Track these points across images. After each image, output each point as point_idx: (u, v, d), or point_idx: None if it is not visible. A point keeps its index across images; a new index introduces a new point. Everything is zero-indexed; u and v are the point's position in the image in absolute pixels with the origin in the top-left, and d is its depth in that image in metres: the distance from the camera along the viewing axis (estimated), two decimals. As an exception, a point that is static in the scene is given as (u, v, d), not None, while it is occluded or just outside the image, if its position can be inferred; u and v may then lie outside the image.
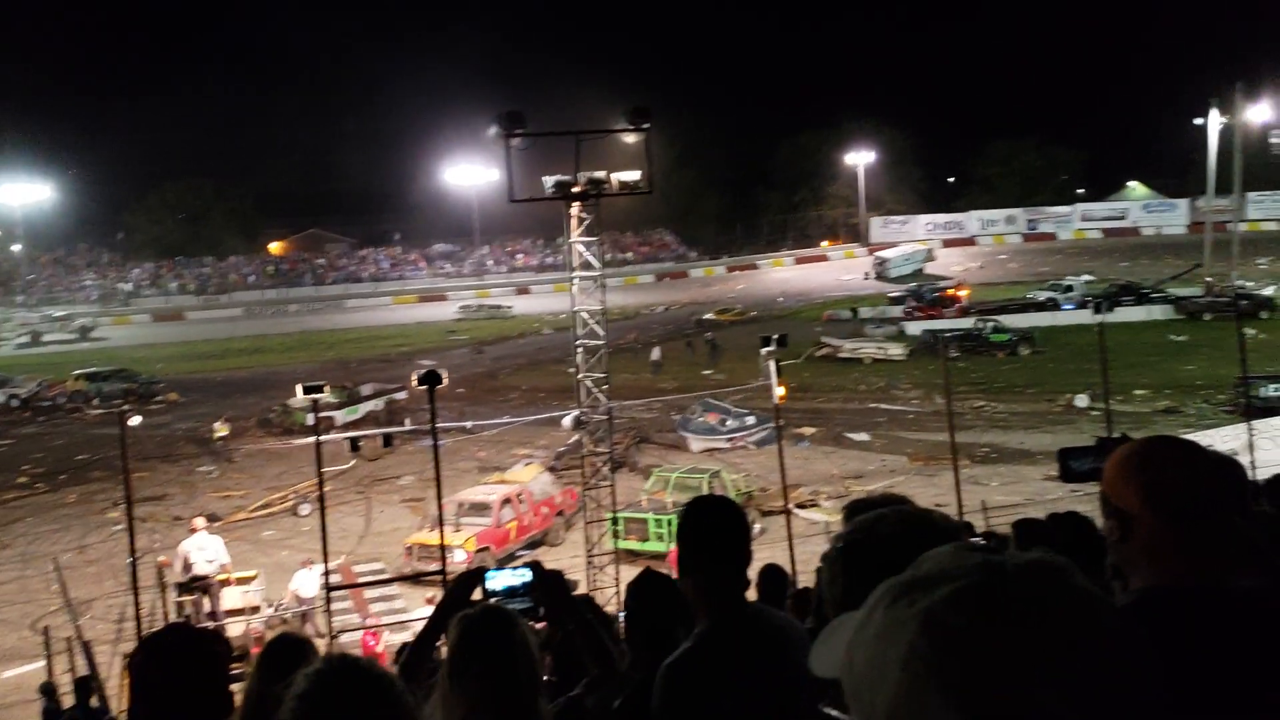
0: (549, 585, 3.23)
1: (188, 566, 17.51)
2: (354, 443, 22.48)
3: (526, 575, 3.24)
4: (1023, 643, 0.93)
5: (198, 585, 17.52)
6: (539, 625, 3.56)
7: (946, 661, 0.94)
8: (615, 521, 19.99)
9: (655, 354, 43.19)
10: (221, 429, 31.15)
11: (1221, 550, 1.83)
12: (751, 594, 3.59)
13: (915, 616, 0.97)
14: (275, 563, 22.17)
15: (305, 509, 25.18)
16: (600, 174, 17.58)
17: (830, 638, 1.25)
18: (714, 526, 2.83)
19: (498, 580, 3.25)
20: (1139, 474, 1.87)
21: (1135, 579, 1.89)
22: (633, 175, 18.16)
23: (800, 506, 23.93)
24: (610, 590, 17.82)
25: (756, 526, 22.63)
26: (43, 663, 15.26)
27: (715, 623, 2.76)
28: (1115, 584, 2.89)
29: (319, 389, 16.39)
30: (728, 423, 30.34)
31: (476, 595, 3.25)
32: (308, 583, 18.79)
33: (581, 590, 17.68)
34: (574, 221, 18.04)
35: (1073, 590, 0.99)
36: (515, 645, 2.76)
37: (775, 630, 2.80)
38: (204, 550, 17.63)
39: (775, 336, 18.98)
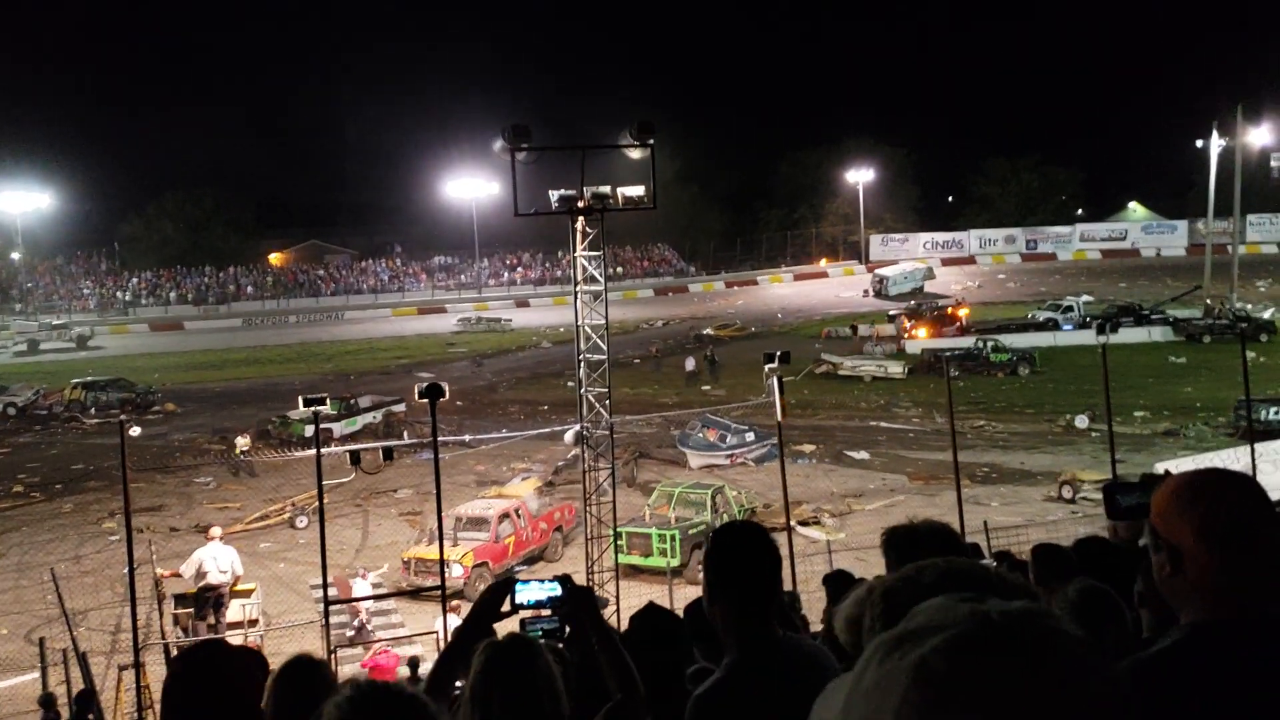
0: (579, 601, 3.15)
1: (201, 575, 17.45)
2: (354, 456, 22.39)
3: (556, 589, 3.16)
4: (1011, 690, 0.97)
5: (209, 594, 17.45)
6: (561, 644, 3.48)
7: (937, 710, 0.97)
8: (618, 536, 19.93)
9: (689, 364, 43.33)
10: (243, 443, 31.01)
11: (1276, 583, 1.80)
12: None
13: (907, 668, 1.00)
14: (273, 575, 22.07)
15: (303, 521, 25.10)
16: (605, 189, 17.59)
17: (828, 698, 1.28)
18: (744, 554, 2.77)
19: (527, 592, 3.17)
20: (1191, 508, 1.84)
21: (1186, 613, 1.86)
22: (637, 190, 18.17)
23: (803, 523, 23.86)
24: (610, 608, 17.72)
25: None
26: (37, 674, 15.13)
27: (745, 653, 2.71)
28: (1143, 612, 2.84)
29: (320, 401, 16.32)
30: (727, 439, 30.28)
31: (505, 605, 3.19)
32: (360, 592, 18.93)
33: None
34: (578, 236, 18.03)
35: (1059, 637, 1.02)
36: (538, 676, 2.72)
37: (806, 659, 2.75)
38: (218, 559, 17.59)
39: (778, 353, 18.92)
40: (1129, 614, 3.02)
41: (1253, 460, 18.95)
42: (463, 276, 75.93)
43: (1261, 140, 64.62)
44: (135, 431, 18.09)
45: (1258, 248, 71.02)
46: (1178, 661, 1.77)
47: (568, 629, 3.17)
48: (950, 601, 1.08)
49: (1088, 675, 1.00)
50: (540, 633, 3.20)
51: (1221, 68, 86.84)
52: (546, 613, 3.16)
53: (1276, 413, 29.53)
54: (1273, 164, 75.48)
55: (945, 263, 75.08)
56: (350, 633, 18.27)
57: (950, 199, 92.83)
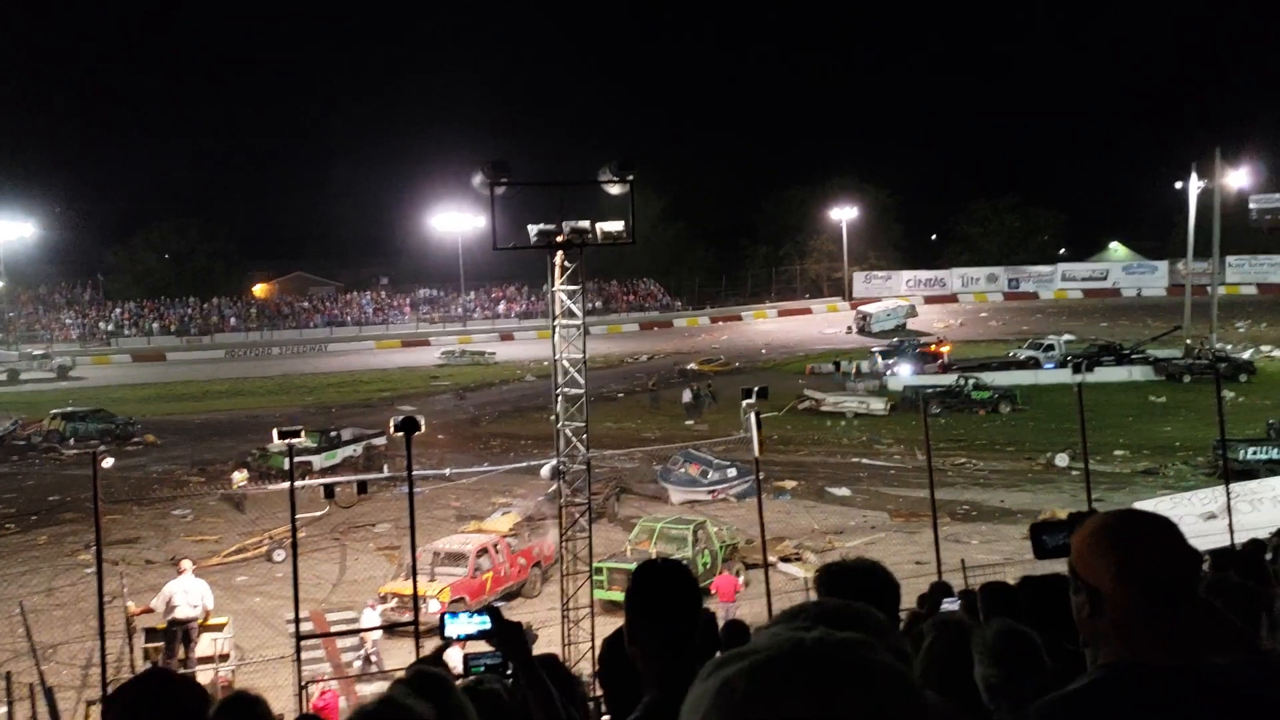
0: (506, 635, 3.10)
1: (170, 608, 17.23)
2: (328, 489, 22.25)
3: (486, 622, 3.12)
4: (803, 713, 0.98)
5: (177, 628, 17.23)
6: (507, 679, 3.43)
7: None
8: (599, 571, 19.82)
9: (686, 396, 43.24)
10: (241, 479, 30.33)
11: (1195, 628, 1.81)
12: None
13: (713, 687, 1.04)
14: (247, 609, 21.85)
15: (280, 555, 24.87)
16: (584, 224, 17.66)
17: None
18: (664, 593, 2.74)
19: (456, 625, 3.14)
20: (1111, 550, 1.84)
21: (1104, 654, 1.86)
22: (616, 226, 18.23)
23: (784, 560, 23.81)
24: (585, 644, 17.61)
25: (741, 578, 22.51)
26: (4, 709, 14.91)
27: (664, 692, 2.65)
28: (1086, 651, 2.82)
29: (295, 433, 16.24)
30: (709, 474, 30.23)
31: (445, 638, 3.16)
32: (368, 622, 18.90)
33: (557, 644, 17.48)
34: (557, 270, 18.08)
35: (869, 666, 1.02)
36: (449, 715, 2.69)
37: None
38: (189, 593, 17.37)
39: (756, 389, 18.97)
40: (1046, 658, 3.01)
41: (1228, 500, 18.99)
42: (448, 309, 75.93)
43: (1239, 182, 65.55)
44: (108, 463, 17.95)
45: (1236, 288, 71.62)
46: (1090, 702, 1.77)
47: (510, 666, 3.14)
48: (782, 629, 1.10)
49: (891, 707, 1.00)
50: (483, 668, 3.17)
51: (1201, 111, 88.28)
52: (485, 651, 3.14)
53: (1254, 453, 29.68)
54: (1251, 206, 76.40)
55: (928, 300, 75.53)
56: (359, 663, 18.14)
57: (933, 238, 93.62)
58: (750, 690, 1.00)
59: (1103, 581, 1.83)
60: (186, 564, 18.51)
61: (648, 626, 2.71)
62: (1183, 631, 1.79)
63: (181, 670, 16.26)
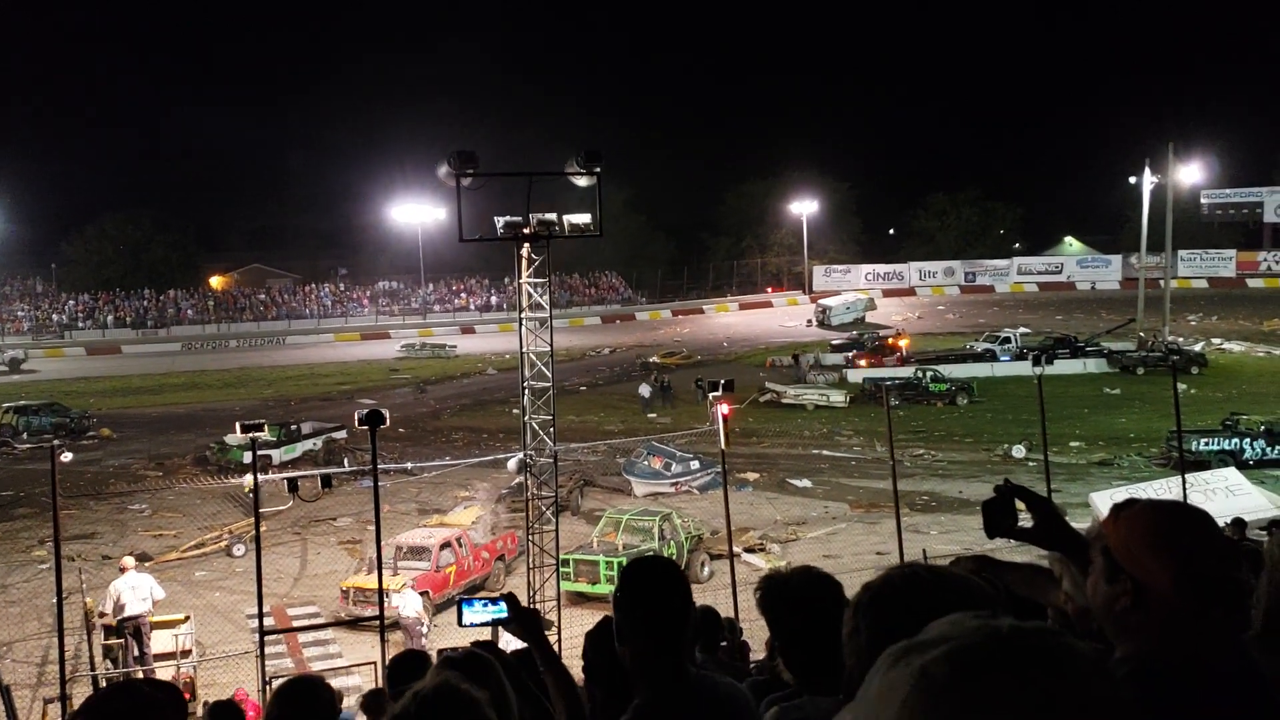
0: (524, 622, 3.10)
1: (119, 607, 16.99)
2: (292, 483, 22.05)
3: (503, 610, 3.12)
4: (1010, 699, 0.96)
5: (127, 624, 17.01)
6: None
7: (935, 715, 0.98)
8: (565, 564, 19.86)
9: (644, 390, 43.12)
10: (248, 486, 28.69)
11: (1233, 625, 1.83)
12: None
13: (910, 674, 1.01)
14: (207, 604, 21.64)
15: (239, 550, 24.65)
16: (551, 216, 17.62)
17: None
18: (654, 591, 2.67)
19: (473, 614, 3.15)
20: (1171, 551, 1.82)
21: (1130, 645, 1.85)
22: (583, 218, 18.23)
23: (749, 550, 23.96)
24: (553, 637, 17.60)
25: (706, 570, 22.65)
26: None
27: (655, 693, 2.62)
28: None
29: (258, 427, 16.10)
30: (672, 467, 30.32)
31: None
32: (410, 603, 18.80)
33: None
34: (524, 262, 18.03)
35: (1068, 654, 1.02)
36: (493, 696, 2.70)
37: (720, 700, 2.67)
38: (136, 589, 17.14)
39: (721, 382, 19.05)
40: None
41: (1184, 491, 19.36)
42: (408, 302, 75.42)
43: (1192, 178, 66.52)
44: (67, 457, 17.67)
45: (1188, 282, 72.87)
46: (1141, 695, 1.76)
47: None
48: (963, 617, 1.09)
49: (1093, 694, 0.99)
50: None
51: (1154, 107, 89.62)
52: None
53: (1207, 444, 30.26)
54: (1202, 201, 77.65)
55: (886, 294, 76.10)
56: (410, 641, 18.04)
57: (892, 232, 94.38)
58: (955, 677, 0.99)
59: (1157, 580, 1.81)
60: (128, 560, 18.28)
61: (638, 627, 2.64)
62: (1225, 629, 1.81)
63: (139, 668, 16.11)
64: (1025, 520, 2.60)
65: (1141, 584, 1.83)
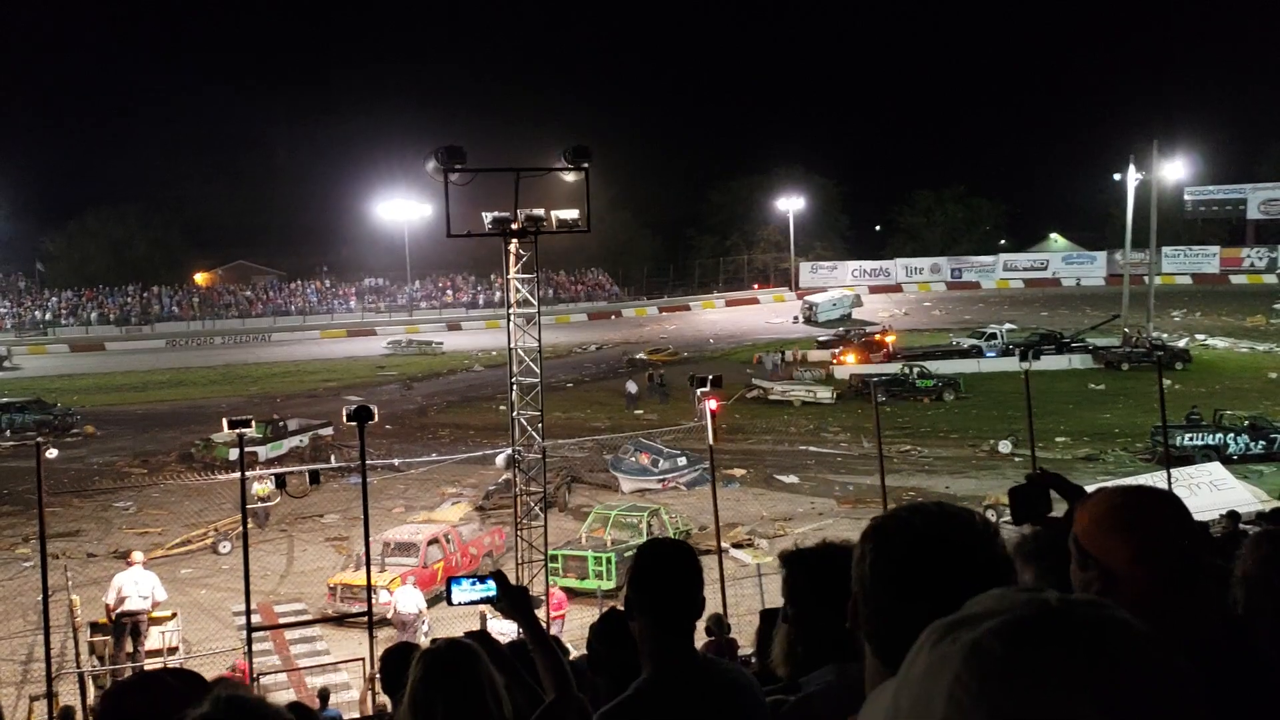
0: (513, 599, 3.12)
1: (120, 600, 16.94)
2: (280, 480, 21.98)
3: (491, 589, 3.12)
4: (1067, 671, 0.94)
5: (126, 620, 16.96)
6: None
7: (989, 690, 0.95)
8: (554, 559, 19.88)
9: (630, 387, 43.08)
10: (262, 490, 25.96)
11: (1201, 605, 1.83)
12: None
13: (960, 649, 0.99)
14: (193, 601, 21.56)
15: (226, 547, 24.57)
16: (539, 211, 17.61)
17: (873, 701, 1.25)
18: (669, 570, 2.73)
19: (462, 592, 3.15)
20: (1128, 531, 1.83)
21: None
22: (571, 214, 18.22)
23: (737, 546, 24.01)
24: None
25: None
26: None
27: (659, 671, 2.66)
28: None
29: (245, 424, 16.04)
30: (660, 463, 30.35)
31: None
32: (409, 599, 18.77)
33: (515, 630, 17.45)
34: (512, 258, 18.01)
35: (1121, 626, 1.00)
36: (480, 683, 2.71)
37: (722, 682, 2.71)
38: (139, 585, 17.08)
39: (709, 378, 19.07)
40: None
41: (1169, 485, 19.47)
42: (394, 299, 75.19)
43: (1176, 175, 66.83)
44: (52, 454, 17.56)
45: (1172, 279, 73.23)
46: None
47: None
48: (1007, 590, 1.07)
49: (1150, 666, 0.98)
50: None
51: (1138, 104, 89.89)
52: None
53: (1191, 439, 30.45)
54: (1186, 198, 78.10)
55: (873, 290, 76.30)
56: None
57: (878, 228, 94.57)
58: (1008, 651, 0.96)
59: (1117, 561, 1.83)
60: (137, 555, 18.21)
61: (649, 604, 2.70)
62: (1191, 609, 1.80)
63: (130, 665, 16.06)
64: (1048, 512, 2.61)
65: (1105, 566, 1.84)
